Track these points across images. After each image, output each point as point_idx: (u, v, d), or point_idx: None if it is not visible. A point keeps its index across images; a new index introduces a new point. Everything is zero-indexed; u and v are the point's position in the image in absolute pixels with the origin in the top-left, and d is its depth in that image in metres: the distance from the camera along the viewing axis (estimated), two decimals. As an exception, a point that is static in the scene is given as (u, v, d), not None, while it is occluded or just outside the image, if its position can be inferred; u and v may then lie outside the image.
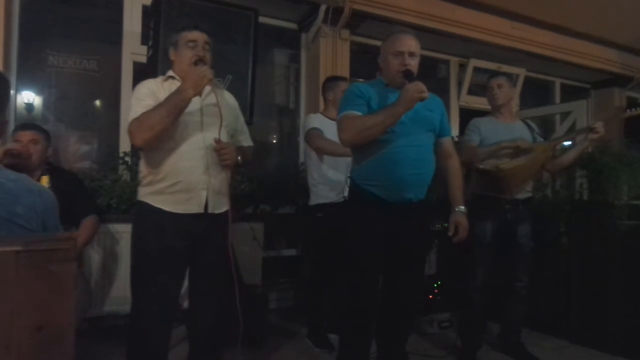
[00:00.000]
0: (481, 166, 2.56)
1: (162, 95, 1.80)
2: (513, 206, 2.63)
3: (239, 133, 2.07)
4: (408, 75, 1.94)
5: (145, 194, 1.87)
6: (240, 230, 3.33)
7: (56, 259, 1.01)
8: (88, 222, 2.45)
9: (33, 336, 0.98)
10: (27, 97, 3.40)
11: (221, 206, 1.91)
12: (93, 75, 3.54)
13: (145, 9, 3.38)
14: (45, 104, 3.52)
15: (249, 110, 2.91)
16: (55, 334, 1.01)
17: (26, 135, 2.31)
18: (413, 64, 2.01)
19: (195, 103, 1.81)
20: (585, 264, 3.02)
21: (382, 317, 2.16)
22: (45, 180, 2.19)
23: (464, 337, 2.76)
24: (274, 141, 4.63)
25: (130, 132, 1.74)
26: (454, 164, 2.20)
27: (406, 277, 2.11)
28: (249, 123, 2.97)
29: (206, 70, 1.75)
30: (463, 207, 2.14)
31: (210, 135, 1.85)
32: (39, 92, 3.47)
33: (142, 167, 1.89)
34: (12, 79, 3.16)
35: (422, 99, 1.84)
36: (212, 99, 1.90)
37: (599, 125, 2.61)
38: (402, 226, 2.01)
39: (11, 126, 3.07)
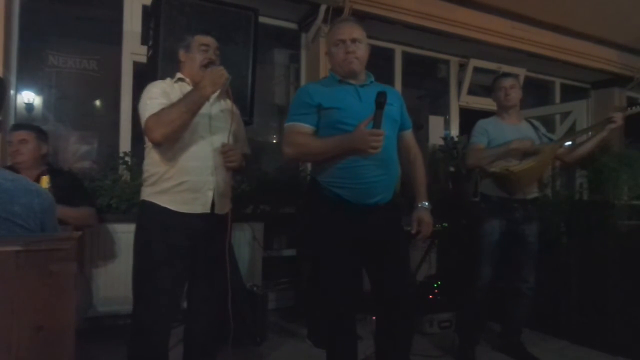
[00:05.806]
0: (491, 169, 2.57)
1: (174, 96, 1.83)
2: (522, 205, 2.63)
3: (238, 140, 2.08)
4: (379, 105, 1.75)
5: (150, 194, 1.88)
6: (240, 230, 3.33)
7: (56, 259, 1.01)
8: (83, 209, 2.44)
9: (33, 336, 0.99)
10: (27, 97, 3.41)
11: (225, 207, 1.95)
12: (93, 75, 3.54)
13: (145, 8, 3.38)
14: (45, 104, 3.52)
15: (249, 110, 2.90)
16: (55, 334, 1.01)
17: (16, 136, 2.40)
18: (359, 52, 1.94)
19: (203, 108, 1.83)
20: (585, 264, 3.02)
21: (378, 317, 2.10)
22: (45, 181, 2.17)
23: (462, 334, 2.75)
24: (274, 141, 4.63)
25: (148, 128, 1.77)
26: (417, 158, 2.12)
27: (390, 273, 1.99)
28: (249, 123, 2.98)
29: (223, 70, 1.79)
30: (427, 203, 2.05)
31: (217, 138, 1.90)
32: (39, 92, 3.47)
33: (148, 167, 1.91)
34: (12, 79, 3.15)
35: (374, 148, 1.73)
36: (219, 106, 1.96)
37: (617, 116, 2.62)
38: (371, 226, 1.93)
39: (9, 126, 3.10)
